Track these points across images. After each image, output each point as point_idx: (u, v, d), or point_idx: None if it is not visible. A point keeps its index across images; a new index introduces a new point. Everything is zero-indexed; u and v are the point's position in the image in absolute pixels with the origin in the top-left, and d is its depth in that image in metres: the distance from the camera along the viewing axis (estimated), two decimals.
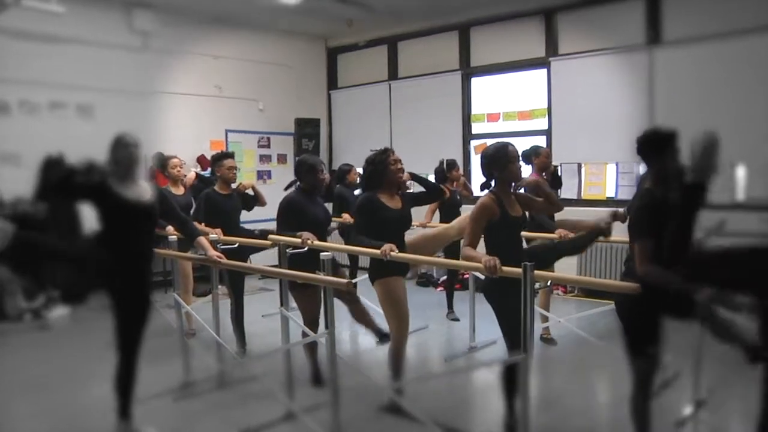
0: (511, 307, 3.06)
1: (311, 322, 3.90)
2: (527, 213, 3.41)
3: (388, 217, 3.65)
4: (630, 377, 2.74)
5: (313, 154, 7.30)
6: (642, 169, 2.82)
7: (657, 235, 2.55)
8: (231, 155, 4.96)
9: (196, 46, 7.84)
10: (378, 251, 3.42)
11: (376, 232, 3.60)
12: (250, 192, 5.11)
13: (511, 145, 3.22)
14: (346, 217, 5.79)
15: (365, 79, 9.03)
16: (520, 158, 3.33)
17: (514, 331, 3.01)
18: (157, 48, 7.39)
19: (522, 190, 3.49)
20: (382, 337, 4.01)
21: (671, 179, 2.64)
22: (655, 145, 2.68)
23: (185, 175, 5.53)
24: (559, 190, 5.38)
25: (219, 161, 4.88)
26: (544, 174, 4.89)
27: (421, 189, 4.09)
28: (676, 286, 2.43)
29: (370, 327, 4.14)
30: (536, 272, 2.73)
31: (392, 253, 3.37)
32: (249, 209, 5.08)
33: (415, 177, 4.01)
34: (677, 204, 2.61)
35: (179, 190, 5.36)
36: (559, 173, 5.43)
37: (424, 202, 4.21)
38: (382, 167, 3.69)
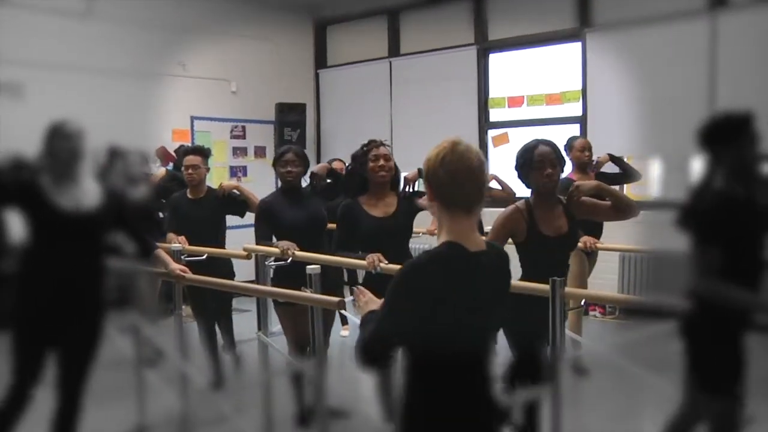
0: (526, 333, 3.09)
1: (299, 348, 3.85)
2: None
3: (370, 228, 3.61)
4: (694, 420, 2.69)
5: (298, 145, 7.31)
6: (701, 164, 2.75)
7: (731, 245, 2.49)
8: (194, 150, 4.89)
9: (153, 14, 7.77)
10: (363, 263, 3.40)
11: (358, 247, 3.59)
12: (237, 193, 4.92)
13: (545, 144, 3.17)
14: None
15: (360, 56, 9.01)
16: (560, 159, 3.22)
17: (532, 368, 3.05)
18: (104, 14, 7.29)
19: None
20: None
21: (752, 173, 2.59)
22: (727, 133, 2.61)
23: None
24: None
25: (181, 158, 4.86)
26: (588, 171, 4.90)
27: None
28: (751, 307, 2.41)
29: None
30: (567, 290, 2.71)
31: (382, 265, 3.35)
32: (241, 215, 4.94)
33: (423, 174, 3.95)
34: (764, 204, 2.56)
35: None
36: (617, 161, 5.36)
37: None
38: (361, 165, 3.68)
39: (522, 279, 3.19)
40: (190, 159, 4.78)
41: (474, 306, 1.82)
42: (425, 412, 1.83)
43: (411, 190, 3.90)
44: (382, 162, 3.65)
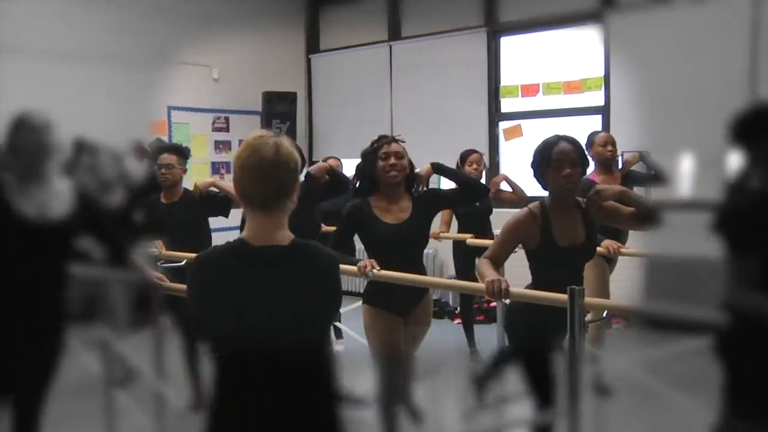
0: (540, 350, 3.11)
1: None
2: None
3: (381, 236, 3.62)
4: None
5: (288, 138, 7.26)
6: (740, 160, 2.73)
7: None
8: (169, 148, 4.91)
9: None
10: (354, 268, 3.41)
11: (370, 253, 3.62)
12: (216, 191, 4.93)
13: (567, 141, 3.16)
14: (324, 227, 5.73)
15: (357, 40, 9.03)
16: (582, 158, 3.22)
17: (543, 385, 3.05)
18: None
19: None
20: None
21: None
22: (761, 127, 2.59)
23: None
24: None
25: (155, 155, 4.86)
26: (612, 169, 4.90)
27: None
28: None
29: None
30: (588, 300, 2.71)
31: (375, 271, 3.37)
32: (225, 214, 4.91)
33: (440, 169, 3.94)
34: None
35: None
36: (650, 162, 5.35)
37: (456, 202, 4.28)
38: (370, 163, 3.69)
39: (531, 287, 3.21)
40: (165, 157, 4.78)
41: (255, 302, 1.97)
42: (222, 408, 2.01)
43: (424, 188, 3.88)
44: (393, 160, 3.62)
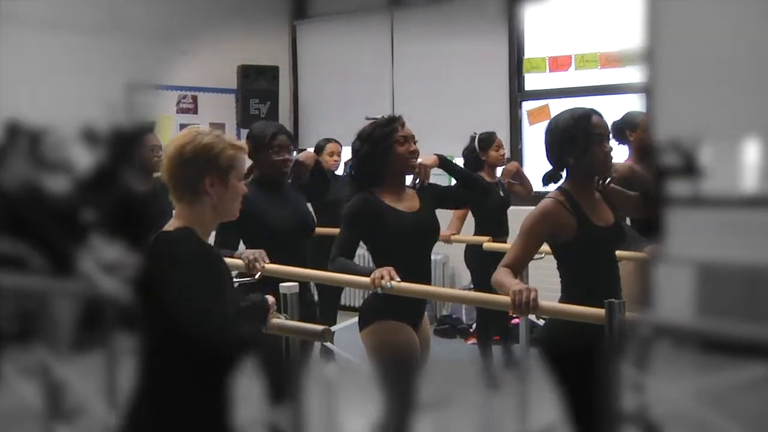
0: (579, 371, 3.10)
1: (277, 392, 3.86)
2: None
3: (399, 222, 3.65)
4: None
5: (269, 121, 7.32)
6: None
7: None
8: (152, 127, 5.05)
9: None
10: (366, 279, 3.42)
11: (382, 250, 3.66)
12: None
13: (597, 113, 3.26)
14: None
15: (352, 5, 9.07)
16: (612, 134, 3.40)
17: (584, 414, 3.08)
18: None
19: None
20: None
21: None
22: None
23: None
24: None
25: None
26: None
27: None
28: None
29: None
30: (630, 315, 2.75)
31: (393, 282, 3.34)
32: None
33: (445, 163, 4.00)
34: None
35: None
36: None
37: (455, 203, 4.38)
38: (383, 148, 3.69)
39: (568, 289, 3.25)
40: (155, 139, 4.99)
41: (180, 294, 2.30)
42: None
43: (426, 181, 3.93)
44: (413, 146, 3.72)
